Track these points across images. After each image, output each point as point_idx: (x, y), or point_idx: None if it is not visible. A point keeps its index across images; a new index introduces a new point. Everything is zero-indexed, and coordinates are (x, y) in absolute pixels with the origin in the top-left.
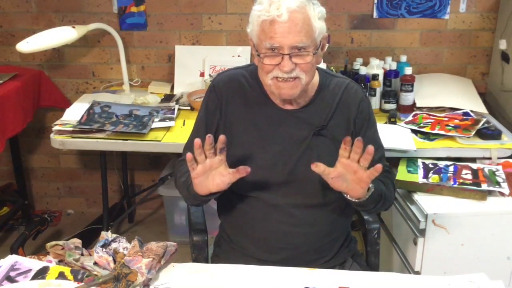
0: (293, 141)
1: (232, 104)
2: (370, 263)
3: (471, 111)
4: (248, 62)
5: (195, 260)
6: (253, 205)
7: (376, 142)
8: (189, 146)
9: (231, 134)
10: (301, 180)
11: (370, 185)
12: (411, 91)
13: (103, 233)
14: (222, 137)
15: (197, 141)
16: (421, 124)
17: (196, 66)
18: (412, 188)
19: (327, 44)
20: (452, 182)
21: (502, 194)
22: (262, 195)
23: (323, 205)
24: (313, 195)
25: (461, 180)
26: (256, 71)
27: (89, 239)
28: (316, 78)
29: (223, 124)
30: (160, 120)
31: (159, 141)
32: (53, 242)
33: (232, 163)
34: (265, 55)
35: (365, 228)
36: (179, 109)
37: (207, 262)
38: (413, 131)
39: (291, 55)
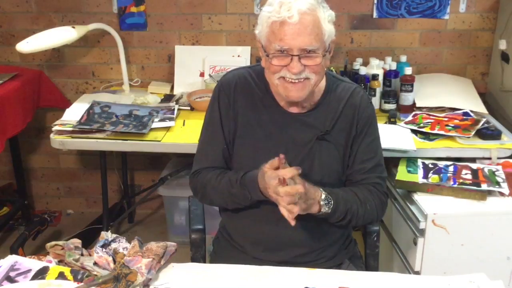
0: (296, 145)
1: (239, 103)
2: (369, 265)
3: (471, 111)
4: (248, 62)
5: (193, 257)
6: (253, 206)
7: (372, 150)
8: (203, 152)
9: (238, 133)
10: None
11: (323, 203)
12: (411, 91)
13: (103, 233)
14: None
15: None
16: (421, 124)
17: (196, 66)
18: (412, 188)
19: None
20: (452, 182)
21: (502, 194)
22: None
23: None
24: None
25: (461, 180)
26: (263, 71)
27: (89, 239)
28: (323, 82)
29: (237, 123)
30: (160, 120)
31: (159, 141)
32: (53, 242)
33: (237, 162)
34: (274, 55)
35: (365, 230)
36: (179, 109)
37: (204, 260)
38: (413, 131)
39: (300, 56)
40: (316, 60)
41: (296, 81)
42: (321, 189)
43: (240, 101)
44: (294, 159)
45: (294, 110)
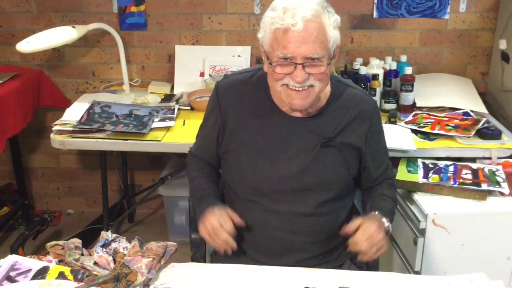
0: (300, 150)
1: (235, 109)
2: (369, 265)
3: (471, 111)
4: (248, 62)
5: (193, 257)
6: (254, 210)
7: (385, 152)
8: (199, 147)
9: (236, 140)
10: (305, 190)
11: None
12: (411, 91)
13: (103, 233)
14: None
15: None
16: (421, 124)
17: (196, 66)
18: (412, 188)
19: None
20: (452, 182)
21: (502, 194)
22: (265, 201)
23: (324, 215)
24: (316, 205)
25: (461, 180)
26: (265, 76)
27: (89, 239)
28: (328, 87)
29: (228, 128)
30: (160, 120)
31: (159, 141)
32: (53, 242)
33: (237, 170)
34: (277, 63)
35: None
36: (179, 109)
37: (204, 260)
38: (413, 131)
39: (304, 65)
40: (321, 69)
41: (300, 89)
42: (376, 213)
43: (236, 108)
44: (298, 165)
45: (297, 114)
